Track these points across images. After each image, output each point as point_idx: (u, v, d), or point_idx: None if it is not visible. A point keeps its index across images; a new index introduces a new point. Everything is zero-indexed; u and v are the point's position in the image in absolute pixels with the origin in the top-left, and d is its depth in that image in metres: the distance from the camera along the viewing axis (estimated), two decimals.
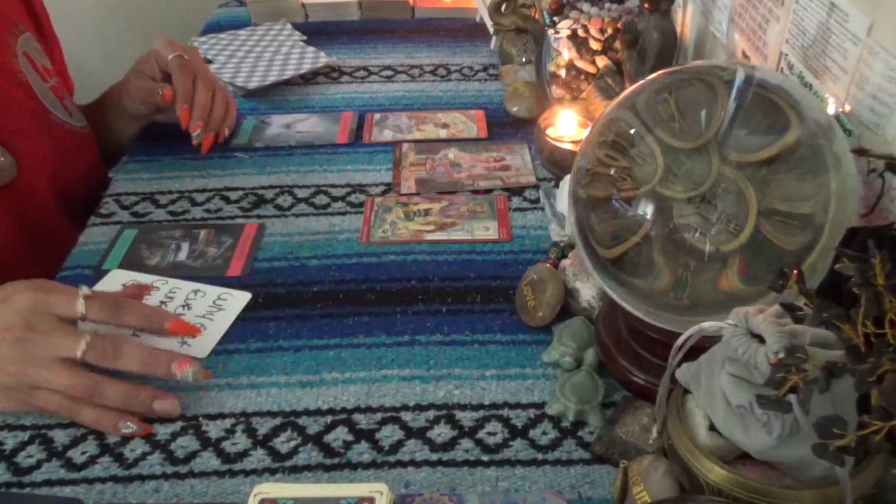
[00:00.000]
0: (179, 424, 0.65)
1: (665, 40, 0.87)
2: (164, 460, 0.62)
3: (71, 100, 0.98)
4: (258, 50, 1.26)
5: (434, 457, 0.62)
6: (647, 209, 0.59)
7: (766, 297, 0.58)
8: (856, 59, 0.62)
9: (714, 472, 0.50)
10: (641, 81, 0.62)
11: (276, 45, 1.28)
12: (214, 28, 1.36)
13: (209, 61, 1.22)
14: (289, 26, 1.34)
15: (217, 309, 0.76)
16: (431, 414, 0.66)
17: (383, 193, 0.93)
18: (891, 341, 0.41)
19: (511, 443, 0.63)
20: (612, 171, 0.61)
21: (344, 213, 0.89)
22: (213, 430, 0.65)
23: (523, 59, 1.11)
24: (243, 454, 0.63)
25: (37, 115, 0.89)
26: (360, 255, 0.83)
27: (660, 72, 0.62)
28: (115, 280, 0.79)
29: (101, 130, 1.02)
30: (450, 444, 0.63)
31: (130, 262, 0.82)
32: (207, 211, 0.90)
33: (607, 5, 0.98)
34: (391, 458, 0.62)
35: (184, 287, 0.78)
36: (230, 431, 0.65)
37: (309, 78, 1.19)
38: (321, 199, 0.92)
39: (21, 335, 0.62)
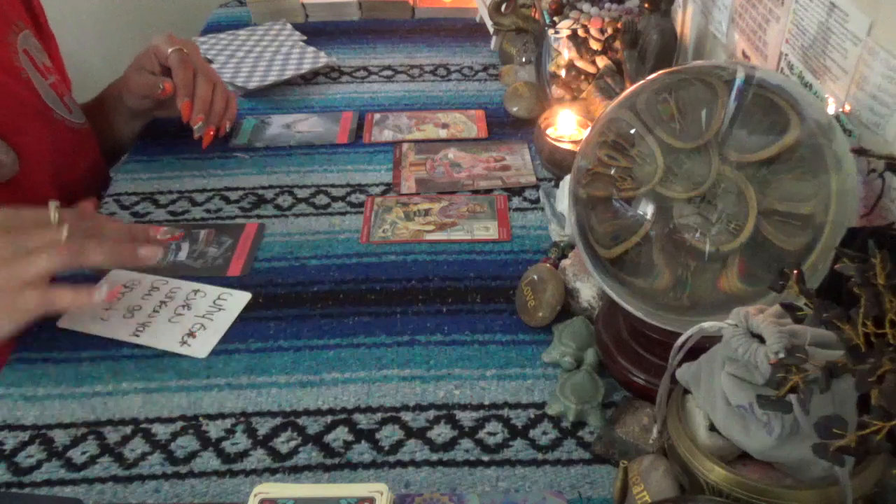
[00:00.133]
0: (179, 424, 0.65)
1: (665, 40, 0.87)
2: (164, 460, 0.62)
3: (70, 97, 0.98)
4: (258, 50, 1.26)
5: (434, 457, 0.62)
6: (647, 209, 0.59)
7: (766, 297, 0.58)
8: (856, 58, 0.62)
9: (714, 472, 0.50)
10: (641, 81, 0.62)
11: (276, 45, 1.28)
12: (214, 28, 1.36)
13: (209, 61, 1.22)
14: (289, 26, 1.34)
15: (217, 309, 0.76)
16: (431, 414, 0.66)
17: (383, 193, 0.93)
18: (891, 341, 0.41)
19: (511, 443, 0.63)
20: (612, 171, 0.61)
21: (344, 213, 0.90)
22: (213, 430, 0.65)
23: (523, 59, 1.11)
24: (243, 454, 0.63)
25: (38, 112, 0.89)
26: (360, 255, 0.83)
27: (660, 72, 0.62)
28: (116, 279, 0.79)
29: (101, 128, 1.02)
30: (450, 444, 0.63)
31: None
32: (207, 211, 0.90)
33: (607, 5, 0.98)
34: (391, 458, 0.62)
35: (184, 287, 0.78)
36: (230, 431, 0.65)
37: (309, 78, 1.19)
38: (321, 199, 0.92)
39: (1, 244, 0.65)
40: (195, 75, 0.95)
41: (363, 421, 0.65)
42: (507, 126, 1.06)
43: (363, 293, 0.78)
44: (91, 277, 0.79)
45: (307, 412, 0.66)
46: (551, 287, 0.72)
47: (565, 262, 0.76)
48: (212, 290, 0.78)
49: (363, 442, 0.63)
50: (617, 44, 0.96)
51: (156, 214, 0.90)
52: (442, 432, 0.64)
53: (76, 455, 0.63)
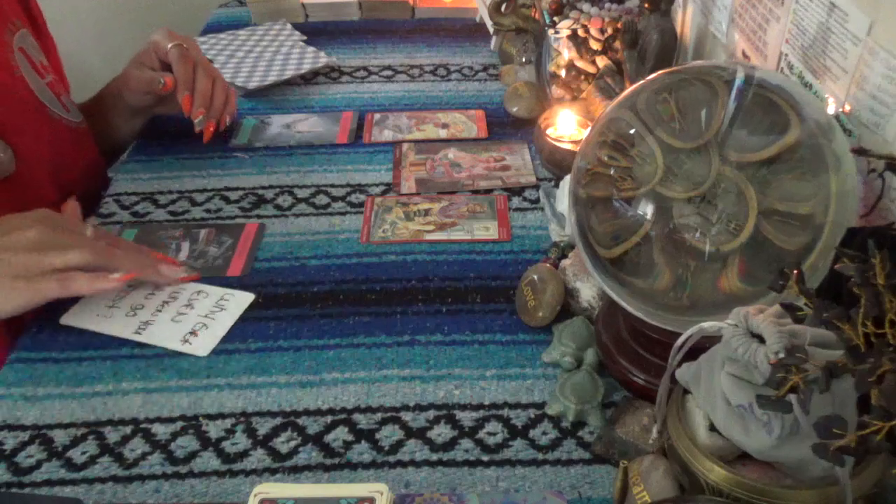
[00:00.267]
0: (179, 424, 0.65)
1: (665, 40, 0.87)
2: (164, 460, 0.62)
3: (68, 96, 0.98)
4: (258, 50, 1.26)
5: (434, 457, 0.62)
6: (647, 209, 0.59)
7: (766, 297, 0.58)
8: (856, 59, 0.62)
9: (714, 472, 0.50)
10: (641, 81, 0.62)
11: (276, 45, 1.28)
12: (214, 28, 1.36)
13: (209, 61, 1.22)
14: (289, 26, 1.34)
15: (220, 309, 0.76)
16: (431, 414, 0.66)
17: (383, 193, 0.93)
18: (891, 341, 0.41)
19: (511, 443, 0.63)
20: (612, 171, 0.61)
21: (344, 213, 0.90)
22: (213, 430, 0.65)
23: (523, 59, 1.11)
24: (243, 454, 0.63)
25: (34, 110, 0.90)
26: (360, 255, 0.83)
27: (660, 72, 0.62)
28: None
29: (100, 127, 1.02)
30: (450, 444, 0.63)
31: None
32: (207, 211, 0.90)
33: (607, 5, 0.98)
34: (391, 458, 0.62)
35: (187, 287, 0.78)
36: (230, 431, 0.65)
37: (309, 78, 1.19)
38: (321, 199, 0.92)
39: (37, 235, 0.71)
40: (195, 70, 0.95)
41: (363, 421, 0.65)
42: (507, 126, 1.06)
43: (363, 293, 0.78)
44: None
45: (307, 412, 0.66)
46: (551, 287, 0.72)
47: (565, 262, 0.76)
48: (215, 291, 0.78)
49: (363, 442, 0.63)
50: (617, 44, 0.96)
51: (156, 214, 0.90)
52: (442, 432, 0.64)
53: (76, 455, 0.63)
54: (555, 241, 0.82)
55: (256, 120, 1.08)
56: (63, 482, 0.61)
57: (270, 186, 0.94)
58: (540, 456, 0.62)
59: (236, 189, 0.94)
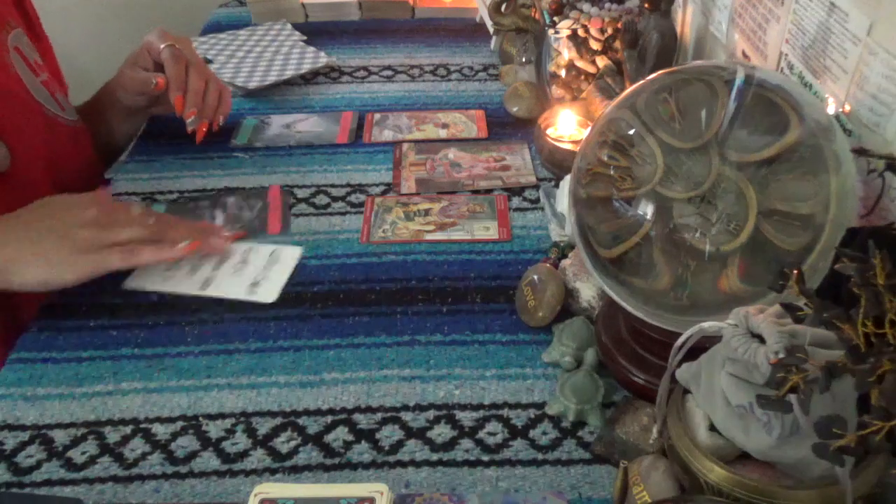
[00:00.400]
0: (179, 424, 0.65)
1: (665, 40, 0.87)
2: (164, 460, 0.62)
3: (64, 95, 0.98)
4: (258, 50, 1.26)
5: (434, 457, 0.62)
6: (647, 209, 0.59)
7: (766, 297, 0.58)
8: (856, 59, 0.62)
9: (714, 472, 0.50)
10: (641, 81, 0.62)
11: (276, 45, 1.28)
12: (214, 28, 1.36)
13: (209, 61, 1.22)
14: (289, 26, 1.34)
15: (275, 262, 0.81)
16: (431, 414, 0.66)
17: (383, 193, 0.93)
18: (891, 341, 0.41)
19: (511, 443, 0.63)
20: (612, 171, 0.61)
21: (344, 213, 0.90)
22: (213, 430, 0.65)
23: (523, 59, 1.11)
24: (243, 454, 0.63)
25: (30, 109, 0.90)
26: (360, 255, 0.83)
27: (660, 72, 0.62)
28: None
29: (98, 128, 1.02)
30: (450, 444, 0.63)
31: None
32: None
33: (607, 5, 0.98)
34: (391, 458, 0.62)
35: (237, 247, 0.83)
36: (230, 431, 0.65)
37: (309, 78, 1.19)
38: (321, 199, 0.92)
39: (96, 213, 0.75)
40: (188, 70, 0.95)
41: (363, 421, 0.65)
42: (507, 126, 1.06)
43: (363, 293, 0.78)
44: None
45: (307, 412, 0.66)
46: (551, 287, 0.72)
47: (565, 262, 0.76)
48: (264, 247, 0.83)
49: (363, 442, 0.63)
50: (617, 44, 0.96)
51: None
52: (442, 432, 0.64)
53: (76, 455, 0.63)
54: (555, 241, 0.82)
55: (256, 120, 1.08)
56: (63, 482, 0.61)
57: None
58: (540, 456, 0.62)
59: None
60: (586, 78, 1.00)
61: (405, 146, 1.01)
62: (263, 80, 1.16)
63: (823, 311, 0.44)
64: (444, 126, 1.06)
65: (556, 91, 1.01)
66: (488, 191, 0.93)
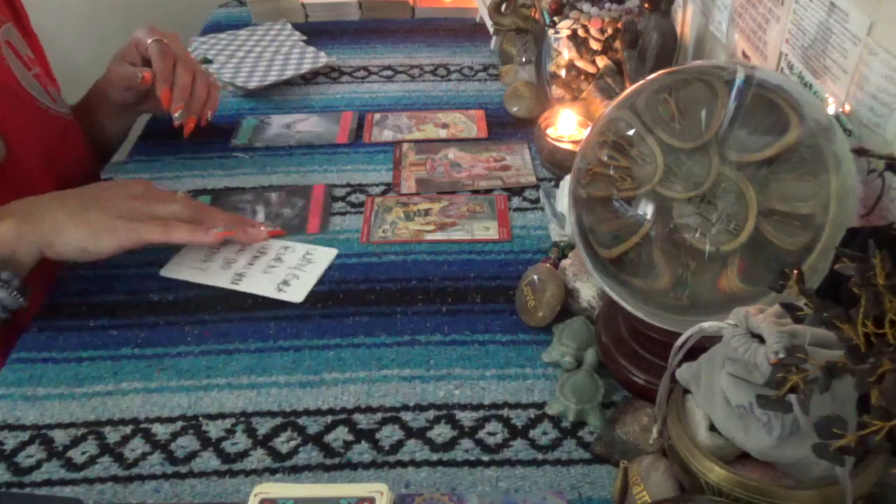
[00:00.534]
0: (179, 424, 0.65)
1: (665, 40, 0.87)
2: (164, 460, 0.62)
3: (56, 90, 0.98)
4: (258, 50, 1.26)
5: (434, 457, 0.62)
6: (647, 209, 0.59)
7: (766, 297, 0.58)
8: (856, 59, 0.62)
9: (714, 472, 0.50)
10: (641, 81, 0.62)
11: (276, 45, 1.28)
12: (214, 28, 1.36)
13: (209, 61, 1.22)
14: (289, 26, 1.34)
15: (307, 262, 0.81)
16: (431, 414, 0.66)
17: (383, 193, 0.93)
18: (891, 341, 0.41)
19: (511, 443, 0.63)
20: (611, 171, 0.61)
21: (344, 213, 0.90)
22: (213, 430, 0.65)
23: (523, 59, 1.11)
24: (243, 454, 0.63)
25: (23, 101, 0.90)
26: (360, 255, 0.83)
27: (660, 72, 0.62)
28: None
29: (89, 126, 1.01)
30: (450, 444, 0.63)
31: None
32: None
33: (607, 5, 0.98)
34: (391, 458, 0.62)
35: (273, 244, 0.84)
36: (230, 431, 0.65)
37: (309, 78, 1.19)
38: None
39: (142, 188, 0.80)
40: (175, 64, 0.95)
41: (363, 421, 0.65)
42: (507, 126, 1.06)
43: (363, 293, 0.78)
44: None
45: (307, 412, 0.66)
46: (551, 287, 0.72)
47: (565, 262, 0.76)
48: (300, 246, 0.84)
49: (363, 442, 0.63)
50: (617, 44, 0.96)
51: None
52: (442, 432, 0.64)
53: (76, 455, 0.63)
54: (555, 241, 0.82)
55: (256, 120, 1.08)
56: (63, 482, 0.61)
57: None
58: (540, 456, 0.62)
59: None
60: (586, 78, 1.00)
61: (405, 146, 1.01)
62: (263, 80, 1.16)
63: (823, 311, 0.44)
64: (444, 126, 1.06)
65: (556, 91, 1.01)
66: (488, 191, 0.93)
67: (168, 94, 0.94)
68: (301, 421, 0.65)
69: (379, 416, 0.66)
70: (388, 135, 1.04)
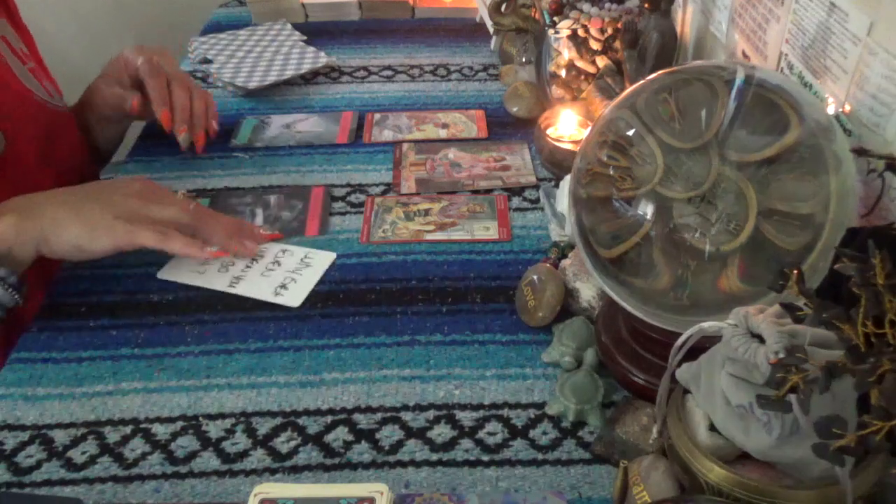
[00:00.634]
0: (179, 424, 0.65)
1: (665, 40, 0.87)
2: (164, 460, 0.62)
3: (51, 84, 0.98)
4: (258, 50, 1.26)
5: (434, 457, 0.62)
6: (647, 209, 0.59)
7: (766, 297, 0.58)
8: (856, 59, 0.62)
9: (714, 472, 0.50)
10: (641, 81, 0.62)
11: (276, 45, 1.28)
12: (214, 28, 1.36)
13: (209, 61, 1.22)
14: (289, 26, 1.34)
15: (305, 266, 0.81)
16: (431, 414, 0.66)
17: (383, 193, 0.93)
18: (891, 341, 0.41)
19: (511, 443, 0.63)
20: (611, 171, 0.61)
21: (344, 213, 0.90)
22: (213, 430, 0.65)
23: (523, 59, 1.11)
24: (243, 454, 0.63)
25: (20, 95, 0.90)
26: (360, 255, 0.83)
27: (660, 72, 0.62)
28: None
29: (84, 130, 1.01)
30: (450, 444, 0.63)
31: None
32: None
33: (607, 5, 0.98)
34: (391, 458, 0.62)
35: (272, 247, 0.84)
36: (230, 431, 0.65)
37: (309, 78, 1.19)
38: None
39: (143, 187, 0.79)
40: (169, 84, 0.95)
41: (363, 421, 0.65)
42: (507, 126, 1.06)
43: (363, 293, 0.78)
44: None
45: (307, 412, 0.66)
46: (551, 287, 0.72)
47: (565, 262, 0.76)
48: (298, 250, 0.83)
49: (363, 442, 0.63)
50: (617, 44, 0.96)
51: None
52: (442, 432, 0.64)
53: (76, 455, 0.63)
54: (555, 241, 0.82)
55: (256, 120, 1.08)
56: (63, 482, 0.61)
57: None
58: (540, 456, 0.62)
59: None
60: (586, 78, 1.00)
61: (405, 146, 1.01)
62: (263, 80, 1.16)
63: (823, 311, 0.44)
64: (444, 126, 1.06)
65: (556, 91, 1.01)
66: (488, 191, 0.93)
67: (168, 115, 0.93)
68: (301, 421, 0.65)
69: (379, 416, 0.66)
70: (388, 135, 1.04)
